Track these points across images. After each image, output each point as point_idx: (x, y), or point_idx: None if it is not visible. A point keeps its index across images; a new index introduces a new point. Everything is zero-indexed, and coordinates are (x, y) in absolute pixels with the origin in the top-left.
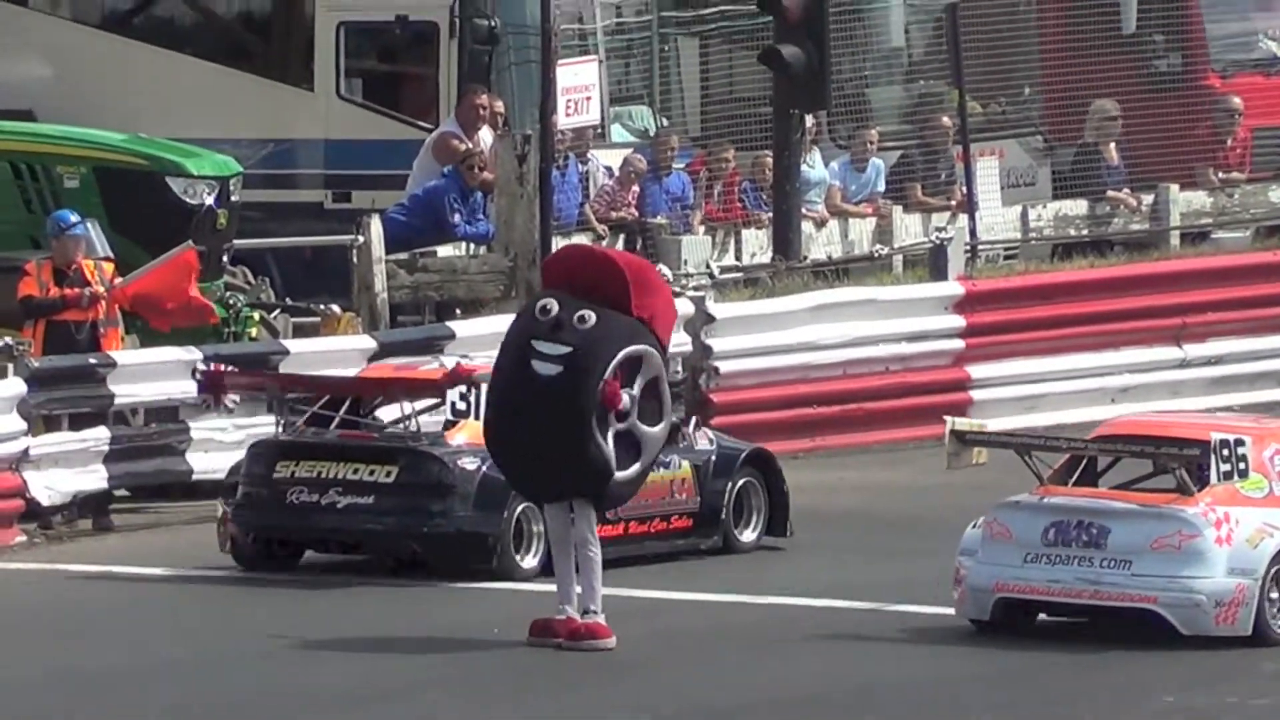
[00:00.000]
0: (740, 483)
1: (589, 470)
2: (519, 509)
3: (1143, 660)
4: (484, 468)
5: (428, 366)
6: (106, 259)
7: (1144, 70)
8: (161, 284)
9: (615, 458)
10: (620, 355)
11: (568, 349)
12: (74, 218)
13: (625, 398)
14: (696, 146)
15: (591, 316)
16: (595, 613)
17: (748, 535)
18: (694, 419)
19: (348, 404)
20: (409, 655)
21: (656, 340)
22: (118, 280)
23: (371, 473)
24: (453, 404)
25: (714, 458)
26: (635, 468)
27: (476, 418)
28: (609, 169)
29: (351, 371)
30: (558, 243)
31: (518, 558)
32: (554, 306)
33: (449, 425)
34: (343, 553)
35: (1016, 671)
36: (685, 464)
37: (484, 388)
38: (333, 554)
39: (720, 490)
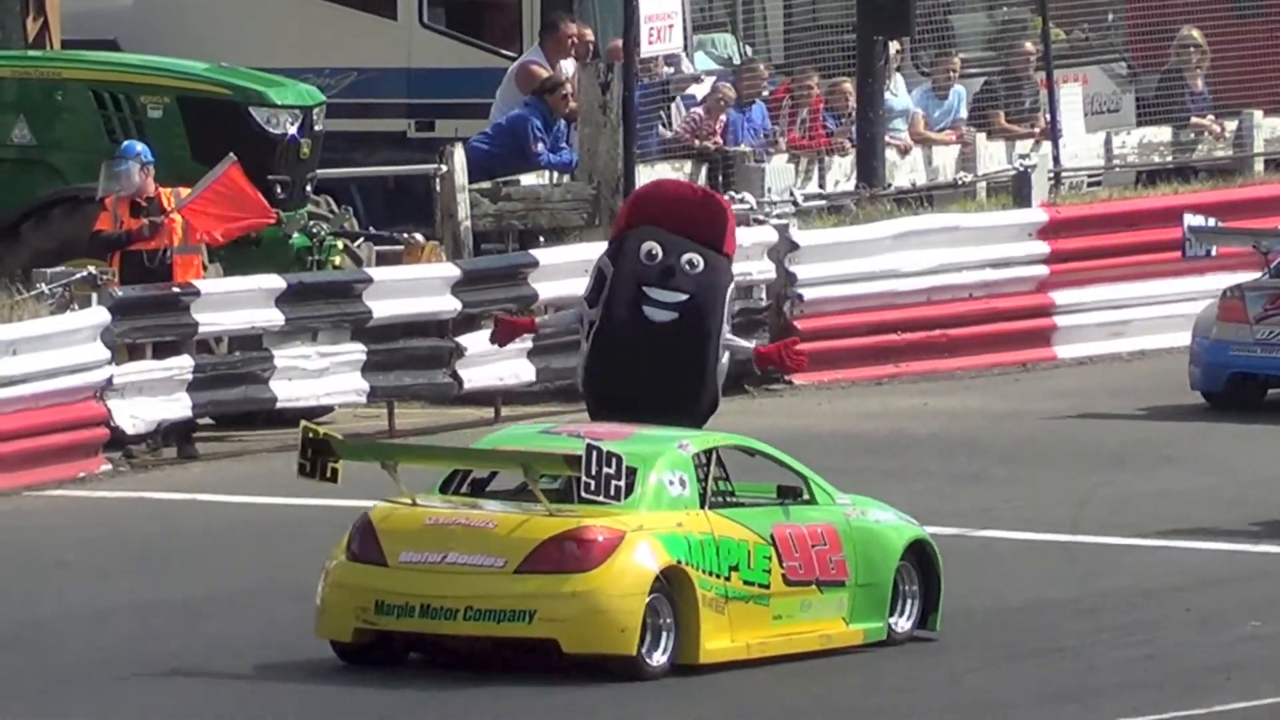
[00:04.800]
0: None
1: (700, 410)
2: None
3: (1226, 589)
4: None
5: None
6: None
7: None
8: (224, 197)
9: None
10: (729, 298)
11: (684, 296)
12: (139, 147)
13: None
14: (780, 74)
15: (700, 261)
16: None
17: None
18: None
19: None
20: None
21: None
22: (182, 193)
23: None
24: None
25: None
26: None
27: None
28: (691, 97)
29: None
30: (641, 171)
31: None
32: (659, 251)
33: None
34: None
35: (1103, 597)
36: None
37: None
38: None
39: None
